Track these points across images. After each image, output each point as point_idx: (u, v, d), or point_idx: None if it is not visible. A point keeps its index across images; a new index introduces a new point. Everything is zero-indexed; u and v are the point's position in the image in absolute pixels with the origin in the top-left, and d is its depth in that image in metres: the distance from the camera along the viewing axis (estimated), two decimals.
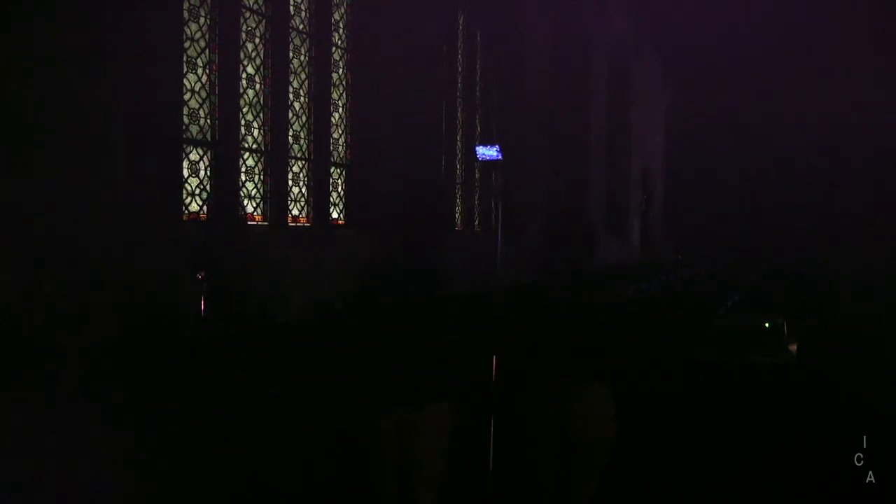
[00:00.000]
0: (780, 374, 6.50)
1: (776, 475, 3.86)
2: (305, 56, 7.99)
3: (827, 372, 6.53)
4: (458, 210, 10.75)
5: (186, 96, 6.43)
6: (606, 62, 15.08)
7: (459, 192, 10.76)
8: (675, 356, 6.76)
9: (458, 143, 10.69)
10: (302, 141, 7.99)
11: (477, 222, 11.19)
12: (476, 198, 11.21)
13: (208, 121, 6.72)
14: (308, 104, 8.04)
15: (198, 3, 6.56)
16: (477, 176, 11.19)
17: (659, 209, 18.89)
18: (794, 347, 6.72)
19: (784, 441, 4.59)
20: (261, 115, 7.42)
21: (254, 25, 7.27)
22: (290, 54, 7.75)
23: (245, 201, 7.26)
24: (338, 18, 8.44)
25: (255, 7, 7.28)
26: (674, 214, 19.22)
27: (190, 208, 6.59)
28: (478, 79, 11.18)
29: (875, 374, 6.44)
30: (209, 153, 6.75)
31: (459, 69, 10.71)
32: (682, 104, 19.62)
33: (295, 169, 7.88)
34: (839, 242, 15.20)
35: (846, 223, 15.86)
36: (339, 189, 8.51)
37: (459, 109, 10.70)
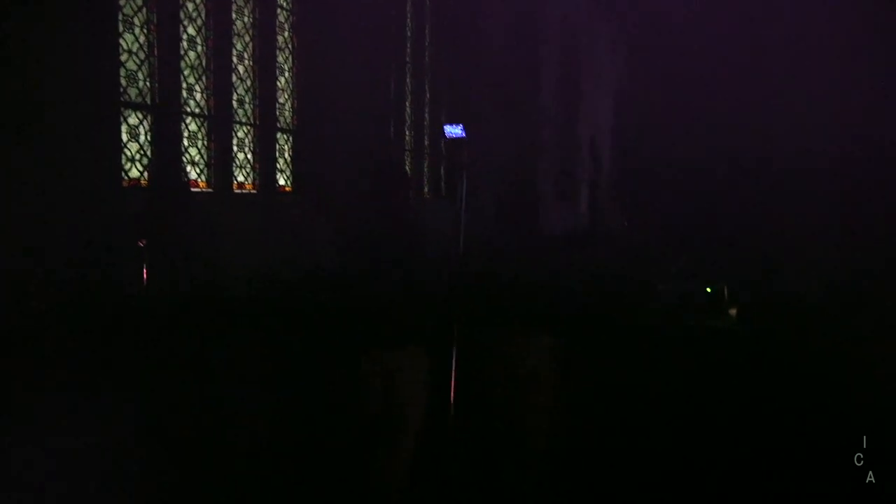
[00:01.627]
0: (723, 337, 6.68)
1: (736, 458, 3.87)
2: (249, 17, 7.76)
3: (765, 335, 6.73)
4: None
5: (123, 57, 6.20)
6: (558, 30, 15.05)
7: (409, 159, 10.68)
8: (619, 320, 6.87)
9: (408, 108, 10.58)
10: (247, 106, 7.80)
11: (426, 189, 11.14)
12: (425, 164, 11.14)
13: (147, 83, 6.51)
14: (252, 67, 7.84)
15: None
16: (426, 143, 11.11)
17: (608, 178, 19.08)
18: (734, 312, 6.90)
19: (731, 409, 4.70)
20: (203, 78, 7.20)
21: None
22: (233, 15, 7.52)
23: (188, 167, 7.08)
24: None
25: None
26: (624, 183, 19.43)
27: (130, 174, 6.40)
28: (427, 44, 11.05)
29: (811, 339, 6.67)
30: (149, 117, 6.54)
31: (409, 34, 10.57)
32: (635, 73, 19.73)
33: (240, 134, 7.70)
34: (790, 217, 15.52)
35: (798, 199, 16.18)
36: (286, 155, 8.36)
37: (409, 75, 10.57)
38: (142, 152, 6.47)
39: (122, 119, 6.24)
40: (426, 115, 11.08)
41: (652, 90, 19.44)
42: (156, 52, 6.54)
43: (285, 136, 8.32)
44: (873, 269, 8.79)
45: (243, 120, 7.73)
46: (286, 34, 8.28)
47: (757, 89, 17.73)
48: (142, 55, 6.40)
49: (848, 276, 8.56)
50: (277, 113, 8.17)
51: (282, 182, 8.29)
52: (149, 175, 6.52)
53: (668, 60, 19.05)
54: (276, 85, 8.10)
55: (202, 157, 7.23)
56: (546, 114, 14.48)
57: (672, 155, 18.99)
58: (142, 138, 6.47)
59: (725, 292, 6.94)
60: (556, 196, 15.04)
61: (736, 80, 18.16)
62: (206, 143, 7.26)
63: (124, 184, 6.27)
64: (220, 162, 7.37)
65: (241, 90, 7.68)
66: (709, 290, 6.92)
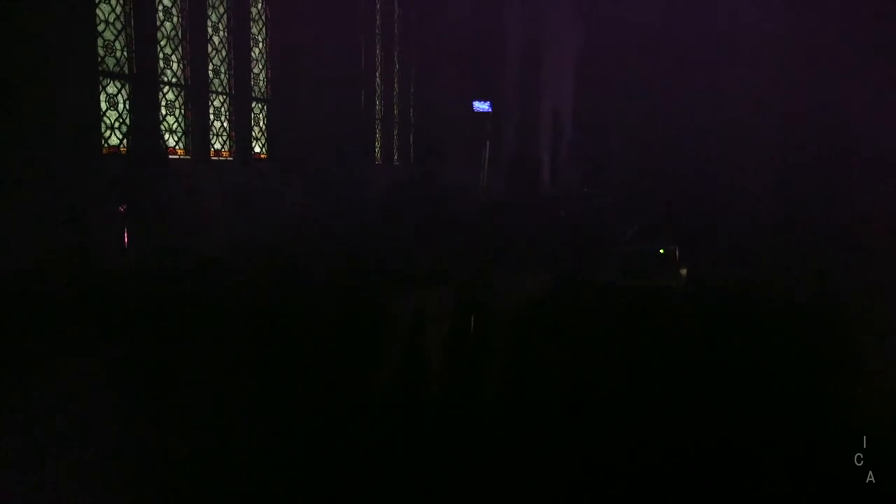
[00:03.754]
0: (672, 294, 6.87)
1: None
2: None
3: (711, 292, 6.94)
4: (377, 144, 10.66)
5: (101, 27, 6.10)
6: (519, 2, 14.97)
7: (378, 127, 10.65)
8: (579, 279, 7.02)
9: (378, 79, 10.53)
10: (222, 75, 7.72)
11: (396, 156, 11.14)
12: (395, 132, 11.13)
13: (125, 53, 6.41)
14: (227, 38, 7.74)
15: None
16: (395, 111, 11.08)
17: (568, 145, 19.18)
18: (684, 272, 7.08)
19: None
20: (179, 48, 7.11)
21: None
22: None
23: (166, 135, 7.02)
24: None
25: None
26: (583, 150, 19.51)
27: (110, 142, 6.33)
28: (396, 17, 10.96)
29: (753, 294, 6.89)
30: (127, 86, 6.46)
31: (378, 7, 10.46)
32: (594, 43, 19.69)
33: (216, 103, 7.63)
34: (740, 182, 15.69)
35: (747, 165, 16.35)
36: (262, 123, 8.31)
37: (378, 46, 10.49)
38: (121, 120, 6.40)
39: (100, 88, 6.15)
40: (395, 86, 11.04)
41: (613, 59, 19.42)
42: (132, 23, 6.43)
43: (260, 105, 8.26)
44: (815, 234, 9.04)
45: (219, 89, 7.66)
46: (259, 6, 8.17)
47: (714, 58, 17.80)
48: (118, 25, 6.29)
49: (789, 241, 8.81)
50: (252, 83, 8.10)
51: (257, 149, 8.25)
52: (128, 143, 6.45)
53: (628, 27, 19.00)
54: (250, 55, 8.02)
55: (180, 125, 7.16)
56: (509, 84, 14.47)
57: (629, 125, 19.10)
58: (120, 107, 6.39)
59: (677, 254, 7.11)
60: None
61: (695, 48, 18.19)
62: (183, 111, 7.20)
63: (104, 151, 6.21)
64: (197, 130, 7.32)
65: (216, 60, 7.59)
66: (661, 251, 7.08)
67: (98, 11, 6.06)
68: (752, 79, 16.42)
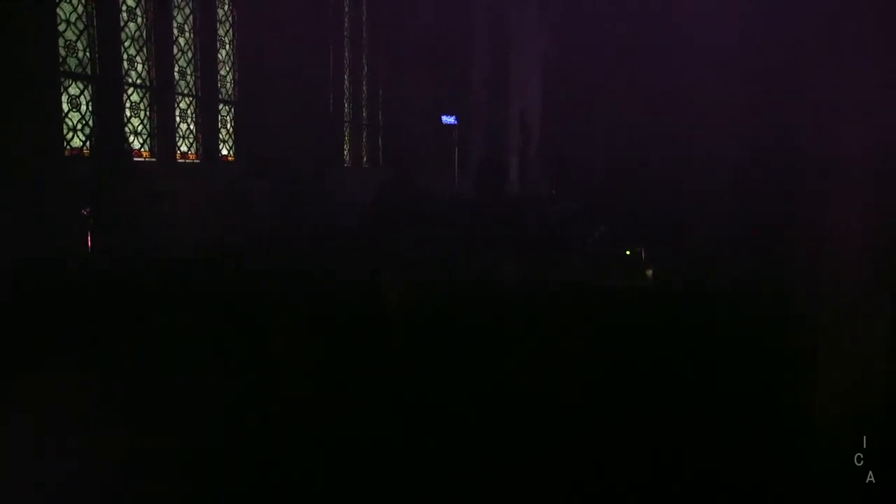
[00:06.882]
0: (638, 293, 6.86)
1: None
2: None
3: (676, 292, 6.94)
4: (346, 147, 10.52)
5: (62, 27, 5.89)
6: (486, 6, 14.95)
7: (348, 130, 10.52)
8: (548, 279, 6.98)
9: (346, 81, 10.39)
10: (188, 77, 7.53)
11: (365, 158, 11.01)
12: (364, 135, 11.00)
13: (87, 53, 6.21)
14: (193, 39, 7.56)
15: None
16: (364, 114, 10.95)
17: (536, 147, 19.20)
18: (650, 272, 7.07)
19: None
20: (144, 49, 6.91)
21: None
22: None
23: (131, 137, 6.82)
24: None
25: None
26: (551, 153, 19.54)
27: (73, 144, 6.13)
28: (364, 20, 10.84)
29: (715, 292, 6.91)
30: (90, 87, 6.26)
31: (346, 10, 10.34)
32: (561, 44, 19.73)
33: (182, 105, 7.44)
34: (703, 184, 15.80)
35: (711, 167, 16.48)
36: (228, 126, 8.13)
37: (346, 49, 10.36)
38: (84, 122, 6.19)
39: (62, 89, 5.94)
40: (364, 88, 10.91)
41: (580, 62, 19.47)
42: (95, 23, 6.23)
43: (227, 107, 8.08)
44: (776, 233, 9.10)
45: (185, 91, 7.47)
46: (226, 7, 7.99)
47: (677, 62, 17.95)
48: (80, 25, 6.09)
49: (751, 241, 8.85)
50: (219, 85, 7.92)
51: (224, 151, 8.07)
52: (91, 145, 6.26)
53: (593, 32, 19.08)
54: (217, 57, 7.84)
55: (145, 127, 6.97)
56: (477, 86, 14.44)
57: (596, 127, 19.18)
58: (83, 108, 6.19)
59: (643, 255, 7.11)
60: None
61: (659, 52, 18.33)
62: (148, 113, 7.00)
63: (66, 153, 6.01)
64: (162, 132, 7.12)
65: (182, 62, 7.40)
66: (628, 252, 7.07)
67: (59, 10, 5.86)
68: (715, 81, 16.60)
